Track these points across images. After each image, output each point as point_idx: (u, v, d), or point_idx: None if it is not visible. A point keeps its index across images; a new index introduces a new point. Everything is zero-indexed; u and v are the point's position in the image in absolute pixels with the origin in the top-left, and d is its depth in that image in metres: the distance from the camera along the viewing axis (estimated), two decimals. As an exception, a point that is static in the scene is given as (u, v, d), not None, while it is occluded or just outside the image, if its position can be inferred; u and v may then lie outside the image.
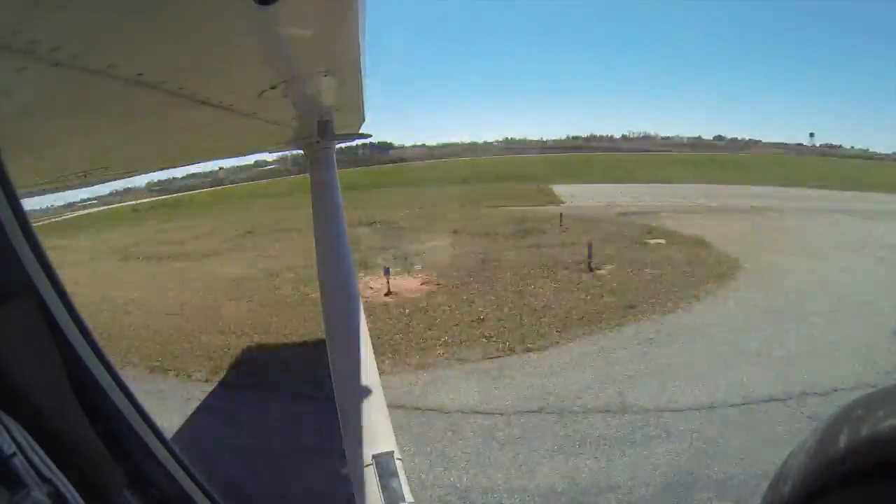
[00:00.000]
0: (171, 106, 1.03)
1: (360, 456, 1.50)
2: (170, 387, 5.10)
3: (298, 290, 7.77)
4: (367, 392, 1.68)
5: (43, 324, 0.65)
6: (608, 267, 8.44)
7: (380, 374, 1.76)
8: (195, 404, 4.70)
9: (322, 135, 1.97)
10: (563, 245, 10.12)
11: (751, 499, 2.98)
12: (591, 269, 8.30)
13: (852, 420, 0.55)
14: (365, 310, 1.86)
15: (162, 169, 2.95)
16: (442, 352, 5.52)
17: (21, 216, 0.62)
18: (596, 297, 7.08)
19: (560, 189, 20.85)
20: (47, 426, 0.58)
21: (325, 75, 1.28)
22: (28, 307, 0.63)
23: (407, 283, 7.95)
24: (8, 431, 0.51)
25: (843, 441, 0.55)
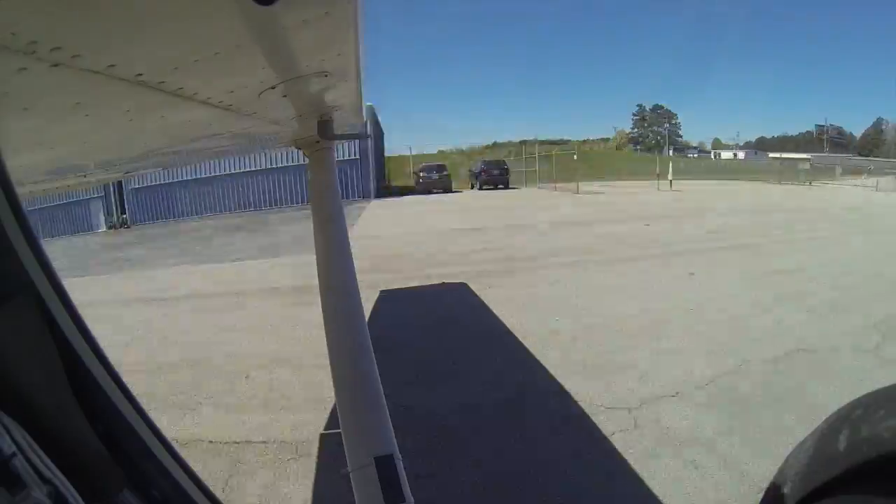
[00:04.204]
0: (171, 106, 1.03)
1: (360, 458, 1.51)
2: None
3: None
4: (367, 393, 1.68)
5: (43, 324, 0.65)
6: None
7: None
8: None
9: (322, 135, 1.97)
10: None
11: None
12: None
13: (852, 420, 0.55)
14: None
15: (162, 168, 2.95)
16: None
17: (21, 216, 0.63)
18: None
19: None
20: (47, 426, 0.58)
21: (326, 75, 1.28)
22: (28, 307, 0.64)
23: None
24: (8, 431, 0.51)
25: (843, 441, 0.55)
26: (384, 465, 1.47)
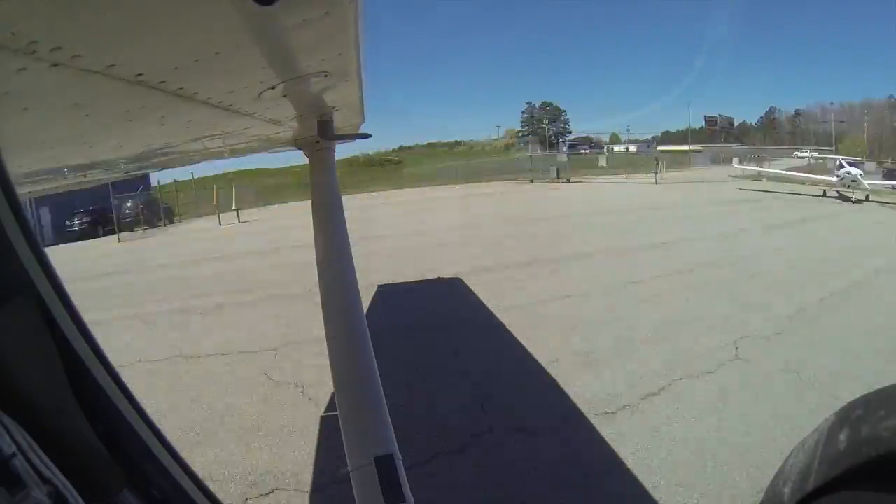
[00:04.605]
0: (171, 106, 1.03)
1: (360, 457, 1.50)
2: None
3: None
4: (367, 393, 1.68)
5: (43, 324, 0.65)
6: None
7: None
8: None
9: (322, 135, 1.97)
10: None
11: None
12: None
13: (852, 420, 0.55)
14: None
15: (162, 169, 2.95)
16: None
17: (21, 216, 0.63)
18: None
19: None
20: (47, 426, 0.58)
21: (326, 75, 1.28)
22: (28, 307, 0.64)
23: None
24: (8, 431, 0.51)
25: (843, 441, 0.55)
26: (384, 465, 1.46)
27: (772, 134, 52.54)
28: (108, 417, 0.72)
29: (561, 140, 56.42)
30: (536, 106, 59.58)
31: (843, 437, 0.55)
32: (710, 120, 50.38)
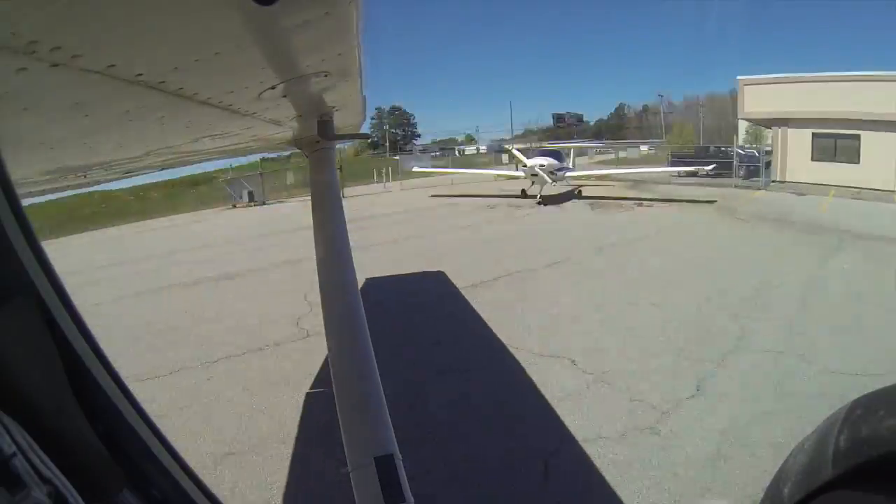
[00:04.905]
0: (171, 106, 1.03)
1: (360, 458, 1.50)
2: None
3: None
4: (367, 393, 1.68)
5: (43, 324, 0.65)
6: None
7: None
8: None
9: (322, 135, 1.97)
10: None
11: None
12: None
13: (852, 420, 0.55)
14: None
15: (162, 169, 2.95)
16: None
17: (21, 216, 0.63)
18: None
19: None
20: (47, 426, 0.58)
21: (326, 75, 1.28)
22: (28, 307, 0.64)
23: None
24: (8, 431, 0.51)
25: (843, 441, 0.55)
26: (384, 465, 1.46)
27: (621, 129, 54.43)
28: (108, 417, 0.72)
29: (410, 144, 56.08)
30: (385, 111, 59.14)
31: (843, 437, 0.55)
32: (558, 117, 51.48)
